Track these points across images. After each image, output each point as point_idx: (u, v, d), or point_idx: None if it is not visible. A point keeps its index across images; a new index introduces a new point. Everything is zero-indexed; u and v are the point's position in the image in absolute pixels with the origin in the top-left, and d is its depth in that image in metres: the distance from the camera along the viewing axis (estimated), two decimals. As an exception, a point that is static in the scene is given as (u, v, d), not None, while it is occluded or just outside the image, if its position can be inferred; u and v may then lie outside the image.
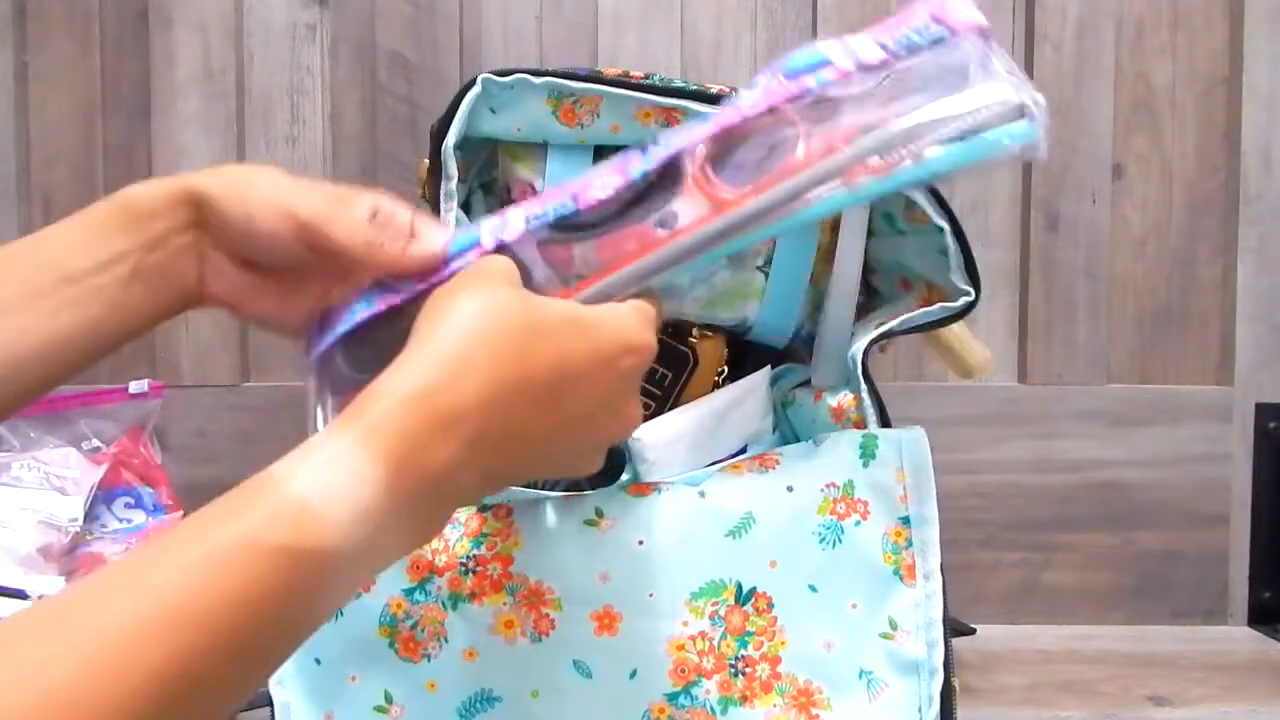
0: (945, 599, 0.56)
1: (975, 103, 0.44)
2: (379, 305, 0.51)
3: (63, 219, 0.51)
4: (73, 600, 0.33)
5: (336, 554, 0.36)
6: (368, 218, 0.51)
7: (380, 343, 0.45)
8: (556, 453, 0.46)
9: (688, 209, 0.48)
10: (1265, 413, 1.02)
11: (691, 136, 0.49)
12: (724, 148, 0.49)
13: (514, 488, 0.65)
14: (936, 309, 0.65)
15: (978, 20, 0.46)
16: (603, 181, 0.48)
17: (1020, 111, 0.44)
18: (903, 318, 0.66)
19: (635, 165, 0.49)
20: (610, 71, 0.68)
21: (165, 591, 0.33)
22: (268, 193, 0.51)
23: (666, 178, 0.49)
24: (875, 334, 0.65)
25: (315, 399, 0.50)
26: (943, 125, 0.44)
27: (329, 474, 0.37)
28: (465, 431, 0.40)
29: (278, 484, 0.36)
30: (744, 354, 0.73)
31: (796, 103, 0.48)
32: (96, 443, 0.93)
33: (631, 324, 0.47)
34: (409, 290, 0.50)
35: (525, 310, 0.44)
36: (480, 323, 0.42)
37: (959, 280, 0.66)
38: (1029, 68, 1.02)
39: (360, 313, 0.51)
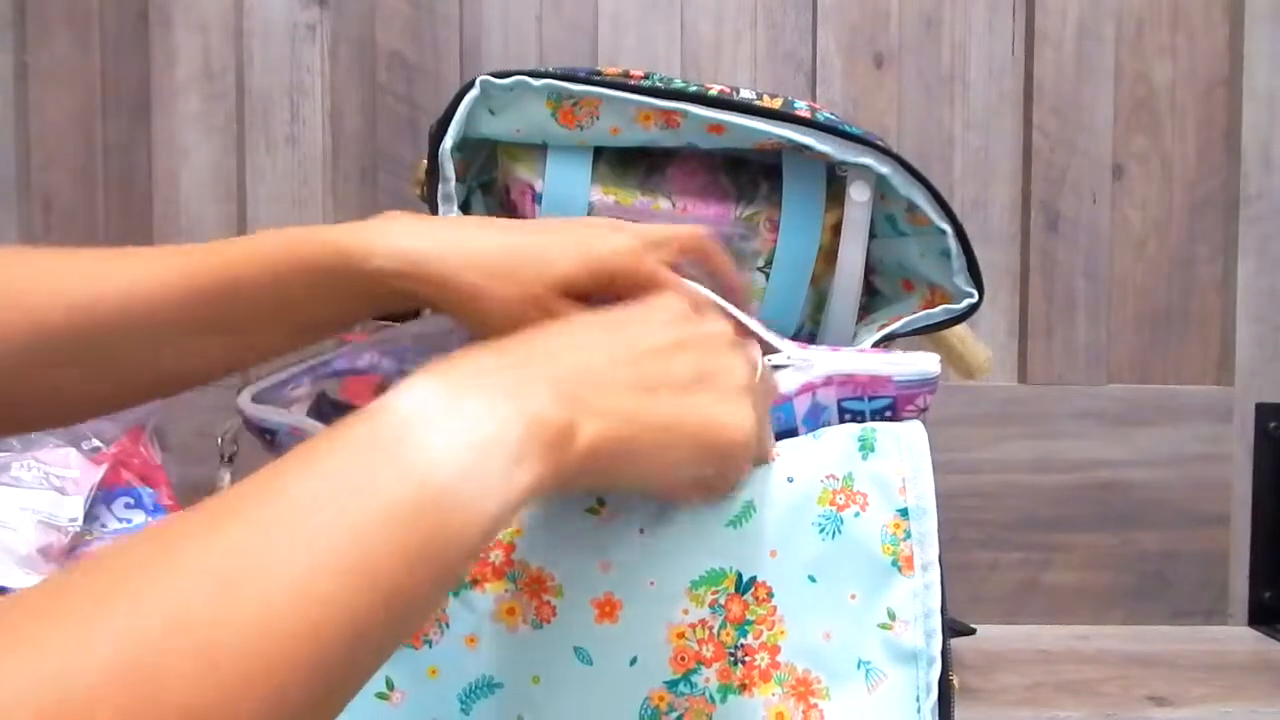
0: (944, 589, 0.56)
1: None
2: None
3: (275, 254, 0.53)
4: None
5: None
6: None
7: None
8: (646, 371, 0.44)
9: None
10: (1265, 413, 1.02)
11: None
12: None
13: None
14: (939, 311, 0.65)
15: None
16: None
17: None
18: (906, 320, 0.66)
19: None
20: (610, 71, 0.68)
21: None
22: (470, 297, 0.53)
23: None
24: (878, 336, 0.65)
25: None
26: None
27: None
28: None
29: None
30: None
31: None
32: (96, 443, 0.92)
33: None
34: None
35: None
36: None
37: (962, 283, 0.66)
38: (1029, 68, 1.02)
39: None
